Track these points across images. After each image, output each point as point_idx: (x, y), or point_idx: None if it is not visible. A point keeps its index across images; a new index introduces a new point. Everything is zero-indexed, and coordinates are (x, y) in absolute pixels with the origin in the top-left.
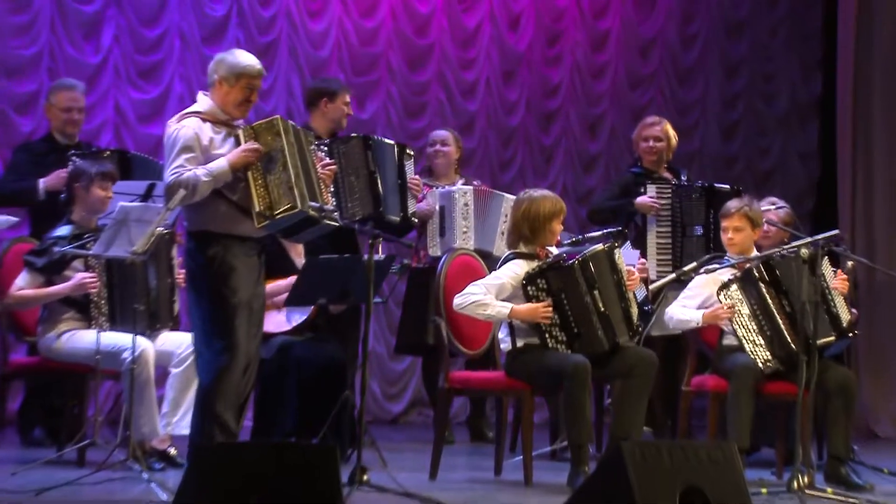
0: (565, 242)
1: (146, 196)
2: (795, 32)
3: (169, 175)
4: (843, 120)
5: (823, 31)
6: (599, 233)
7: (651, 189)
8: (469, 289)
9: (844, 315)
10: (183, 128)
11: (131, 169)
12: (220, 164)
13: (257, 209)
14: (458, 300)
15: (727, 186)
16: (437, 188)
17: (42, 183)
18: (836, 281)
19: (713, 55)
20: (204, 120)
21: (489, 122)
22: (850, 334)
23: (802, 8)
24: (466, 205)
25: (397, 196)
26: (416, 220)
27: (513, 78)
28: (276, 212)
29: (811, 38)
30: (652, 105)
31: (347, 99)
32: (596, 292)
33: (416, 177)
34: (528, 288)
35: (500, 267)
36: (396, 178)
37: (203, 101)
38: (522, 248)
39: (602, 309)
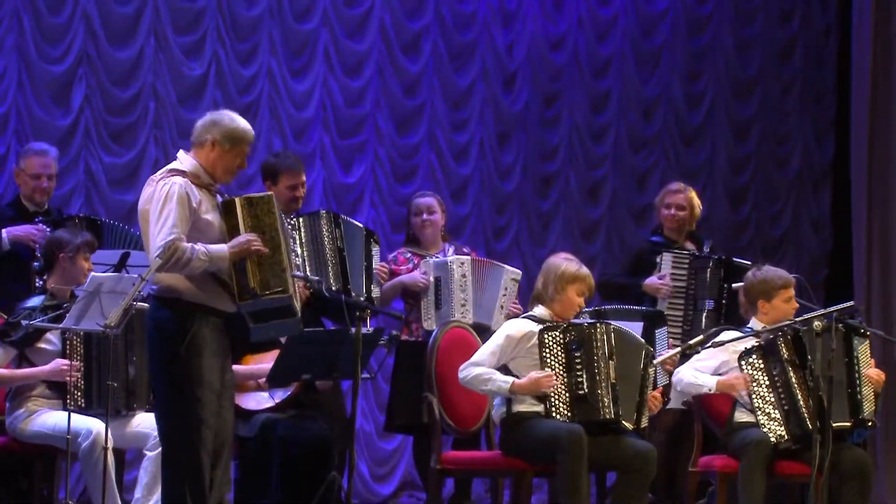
0: (585, 310)
1: (119, 266)
2: (808, 91)
3: (164, 235)
4: (857, 184)
5: (837, 90)
6: (638, 309)
7: (667, 258)
8: (472, 359)
9: (868, 405)
10: (173, 184)
11: (101, 237)
12: (220, 251)
13: (249, 286)
14: (462, 374)
15: (747, 262)
16: (429, 258)
17: (5, 234)
18: (872, 371)
19: (720, 115)
20: (190, 181)
21: (483, 186)
22: (869, 424)
23: (815, 65)
24: (464, 276)
25: (362, 278)
26: (376, 306)
27: (508, 140)
28: (267, 292)
29: (824, 96)
30: (656, 168)
31: (293, 182)
32: (613, 362)
33: (383, 264)
34: (545, 336)
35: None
36: (363, 259)
37: (185, 161)
38: (540, 312)
39: (615, 381)
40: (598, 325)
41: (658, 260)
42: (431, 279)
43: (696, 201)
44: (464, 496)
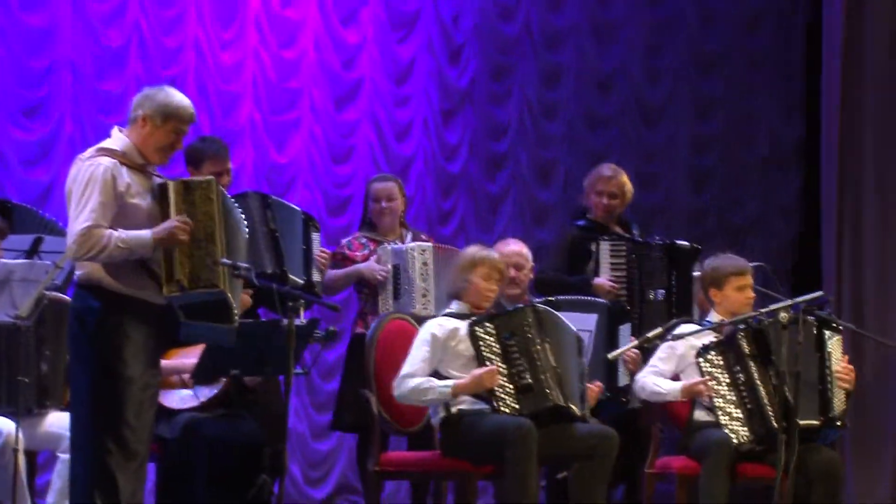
0: (536, 301)
1: (32, 252)
2: (776, 67)
3: (81, 222)
4: (828, 167)
5: (806, 66)
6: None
7: (604, 247)
8: (405, 370)
9: (839, 403)
10: (98, 166)
11: (12, 220)
12: (142, 238)
13: (176, 278)
14: (398, 391)
15: (688, 244)
16: (387, 245)
17: None
18: (842, 366)
19: (683, 93)
20: (121, 162)
21: (427, 167)
22: (839, 424)
23: (783, 40)
24: (425, 264)
25: (301, 261)
26: (320, 291)
27: (454, 118)
28: (196, 286)
29: (793, 73)
30: (612, 149)
31: (217, 169)
32: (548, 345)
33: (324, 250)
34: (477, 329)
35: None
36: (301, 243)
37: (118, 139)
38: (458, 308)
39: (554, 364)
40: (523, 309)
41: (593, 248)
42: (389, 267)
43: (629, 186)
44: (420, 500)
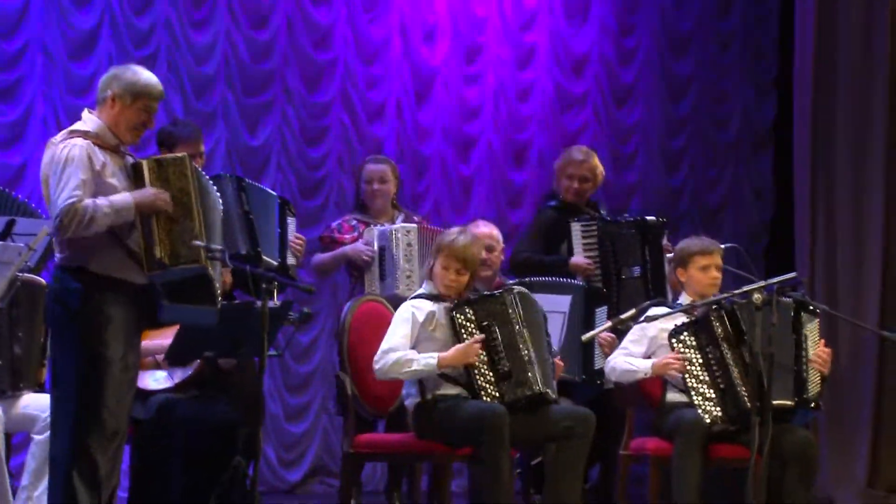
0: (511, 283)
1: (4, 234)
2: (748, 47)
3: (62, 200)
4: (801, 147)
5: (779, 46)
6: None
7: (576, 229)
8: (386, 344)
9: (813, 385)
10: (73, 146)
11: None
12: (124, 200)
13: (156, 256)
14: (378, 366)
15: (656, 218)
16: (374, 227)
17: None
18: (819, 349)
19: (655, 73)
20: (94, 142)
21: (399, 149)
22: (813, 406)
23: (755, 19)
24: (410, 245)
25: (276, 243)
26: (294, 274)
27: (426, 99)
28: (178, 262)
29: (766, 53)
30: (586, 130)
31: (190, 152)
32: (527, 331)
33: (300, 236)
34: (456, 314)
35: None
36: (276, 227)
37: (90, 120)
38: (429, 288)
39: (533, 351)
40: (504, 294)
41: (565, 230)
42: (376, 248)
43: (600, 169)
44: (396, 486)
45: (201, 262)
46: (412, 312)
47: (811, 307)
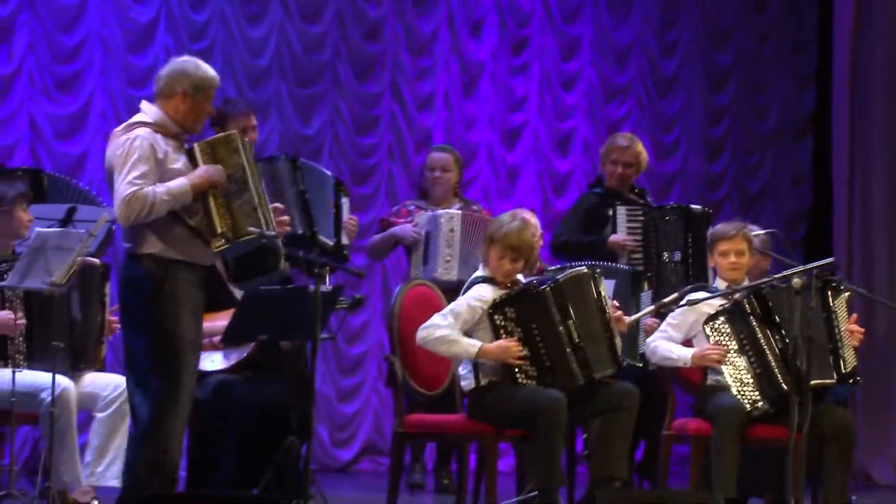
0: (549, 269)
1: (66, 221)
2: (787, 40)
3: (126, 188)
4: (838, 137)
5: (818, 40)
6: (621, 267)
7: (621, 212)
8: (433, 320)
9: (850, 359)
10: (137, 138)
11: (46, 191)
12: (181, 184)
13: (219, 230)
14: (422, 333)
15: (701, 207)
16: (425, 212)
17: None
18: (851, 324)
19: (696, 65)
20: (156, 131)
21: (447, 138)
22: (852, 381)
23: (793, 13)
24: (452, 231)
25: (330, 222)
26: (349, 254)
27: (473, 90)
28: (240, 234)
29: (805, 46)
30: (628, 119)
31: (243, 125)
32: (571, 322)
33: (354, 217)
34: (495, 317)
35: (465, 290)
36: (330, 206)
37: (150, 111)
38: (487, 272)
39: (577, 340)
40: (544, 290)
41: (610, 213)
42: (423, 233)
43: (644, 155)
44: (444, 464)
45: (264, 229)
46: (472, 302)
47: (842, 287)
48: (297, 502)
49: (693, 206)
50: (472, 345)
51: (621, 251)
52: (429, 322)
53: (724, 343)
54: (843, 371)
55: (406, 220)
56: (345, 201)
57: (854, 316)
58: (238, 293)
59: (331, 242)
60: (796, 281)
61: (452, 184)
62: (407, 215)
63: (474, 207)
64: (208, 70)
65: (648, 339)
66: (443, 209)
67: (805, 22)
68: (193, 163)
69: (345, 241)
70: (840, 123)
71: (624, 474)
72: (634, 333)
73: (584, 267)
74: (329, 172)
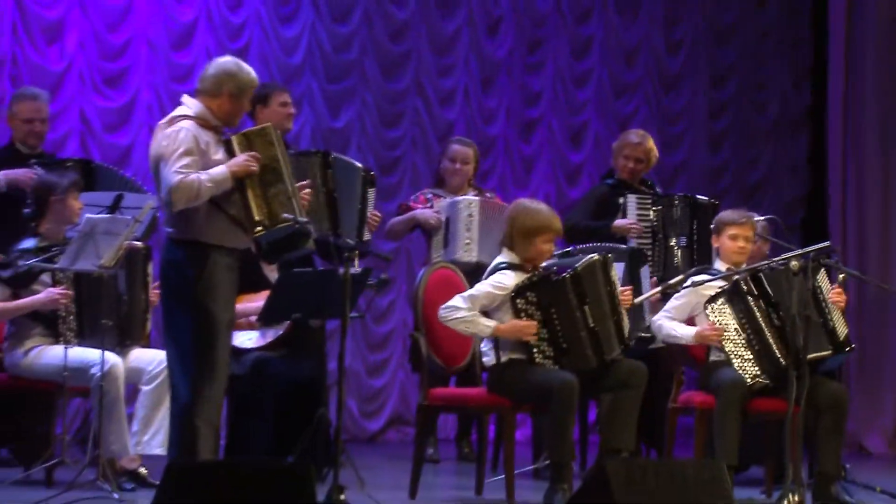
0: (556, 253)
1: (114, 207)
2: (785, 39)
3: (174, 176)
4: (833, 130)
5: (813, 38)
6: (620, 247)
7: (632, 199)
8: (454, 301)
9: (842, 329)
10: (181, 130)
11: (95, 180)
12: (221, 171)
13: (256, 218)
14: (443, 312)
15: (708, 199)
16: (444, 199)
17: (2, 175)
18: (832, 294)
19: (700, 62)
20: (198, 124)
21: (468, 131)
22: (847, 349)
23: (791, 13)
24: (471, 216)
25: (355, 220)
26: (369, 251)
27: (492, 86)
28: (276, 222)
29: (801, 45)
30: (637, 114)
31: (284, 99)
32: (587, 307)
33: (377, 214)
34: (517, 301)
35: (488, 276)
36: (357, 203)
37: (192, 105)
38: (511, 258)
39: (592, 325)
40: (564, 278)
41: (621, 201)
42: (443, 218)
43: (654, 151)
44: (465, 432)
45: (297, 216)
46: (494, 286)
47: (839, 271)
48: (328, 469)
49: (699, 196)
50: (488, 325)
51: (627, 235)
52: (450, 303)
53: (724, 323)
54: (838, 341)
55: (423, 206)
56: (371, 192)
57: (836, 285)
58: (272, 276)
59: (352, 243)
60: (794, 263)
61: (469, 175)
62: (425, 202)
63: (488, 195)
64: (250, 72)
65: (653, 318)
66: (460, 196)
67: (801, 21)
68: (230, 153)
69: (367, 236)
70: (834, 116)
71: (631, 446)
72: (639, 311)
73: (596, 254)
74: (359, 164)
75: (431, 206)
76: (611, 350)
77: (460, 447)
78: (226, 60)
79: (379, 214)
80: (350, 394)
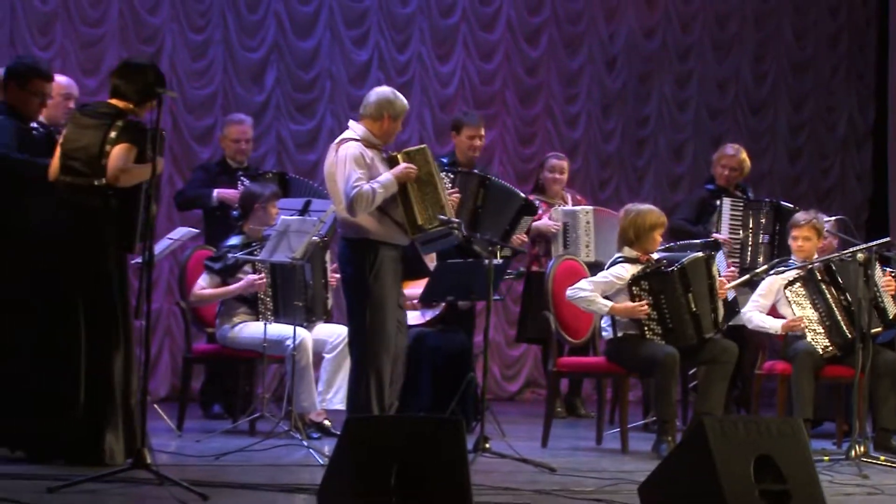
0: (661, 248)
1: (303, 211)
2: (852, 70)
3: (352, 187)
4: (893, 144)
5: (877, 70)
6: (699, 241)
7: (727, 202)
8: (580, 283)
9: (891, 308)
10: (352, 149)
11: (289, 188)
12: (387, 177)
13: (419, 222)
14: (570, 292)
15: (791, 205)
16: (559, 207)
17: (216, 193)
18: (884, 280)
19: (781, 90)
20: (364, 144)
21: (590, 148)
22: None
23: (858, 49)
24: (588, 223)
25: (497, 235)
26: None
27: (610, 110)
28: (433, 225)
29: (866, 75)
30: (728, 133)
31: (472, 133)
32: (690, 294)
33: (525, 237)
34: (633, 288)
35: (608, 268)
36: (505, 224)
37: (357, 129)
38: (628, 253)
39: (694, 309)
40: (672, 271)
41: (718, 203)
42: (560, 224)
43: (747, 162)
44: (576, 394)
45: (449, 220)
46: (616, 276)
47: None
48: (475, 423)
49: (783, 202)
50: (606, 304)
51: (724, 244)
52: (577, 285)
53: (801, 303)
54: (888, 318)
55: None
56: (525, 219)
57: (888, 271)
58: (432, 266)
59: (496, 239)
60: (860, 255)
61: (564, 183)
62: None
63: (578, 197)
64: (403, 100)
65: (744, 310)
66: (559, 202)
67: (867, 55)
68: (394, 166)
69: (505, 252)
70: (894, 133)
71: (720, 412)
72: (732, 301)
73: (701, 252)
74: (522, 195)
75: (541, 214)
76: (707, 331)
77: (574, 405)
78: (384, 90)
79: (525, 239)
80: (493, 361)
